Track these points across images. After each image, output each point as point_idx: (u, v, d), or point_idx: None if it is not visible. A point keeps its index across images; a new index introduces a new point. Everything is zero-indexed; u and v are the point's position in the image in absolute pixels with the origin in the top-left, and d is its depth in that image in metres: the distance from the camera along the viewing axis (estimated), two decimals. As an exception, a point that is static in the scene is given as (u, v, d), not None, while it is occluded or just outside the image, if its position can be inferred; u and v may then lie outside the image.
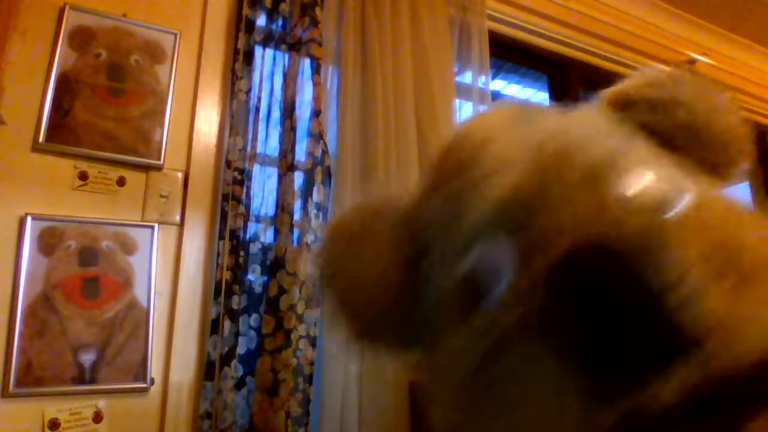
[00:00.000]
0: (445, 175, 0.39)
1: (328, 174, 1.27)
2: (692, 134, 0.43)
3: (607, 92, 0.47)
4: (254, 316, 1.17)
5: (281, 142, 1.26)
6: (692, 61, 2.28)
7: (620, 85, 0.47)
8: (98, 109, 1.17)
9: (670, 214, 0.28)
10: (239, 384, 1.12)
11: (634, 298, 0.25)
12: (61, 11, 1.18)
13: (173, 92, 1.25)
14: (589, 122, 0.42)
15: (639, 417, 0.25)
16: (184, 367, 1.14)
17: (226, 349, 1.11)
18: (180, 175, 1.22)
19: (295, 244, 1.20)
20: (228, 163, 1.21)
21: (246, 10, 1.30)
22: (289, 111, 1.27)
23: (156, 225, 1.17)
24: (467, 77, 1.63)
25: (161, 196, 1.20)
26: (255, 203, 1.23)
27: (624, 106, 0.44)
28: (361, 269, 0.44)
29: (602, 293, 0.25)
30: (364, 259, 0.44)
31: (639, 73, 0.48)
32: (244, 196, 1.20)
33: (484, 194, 0.33)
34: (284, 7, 1.33)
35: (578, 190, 0.29)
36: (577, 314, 0.26)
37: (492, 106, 1.50)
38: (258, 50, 1.30)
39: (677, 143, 0.40)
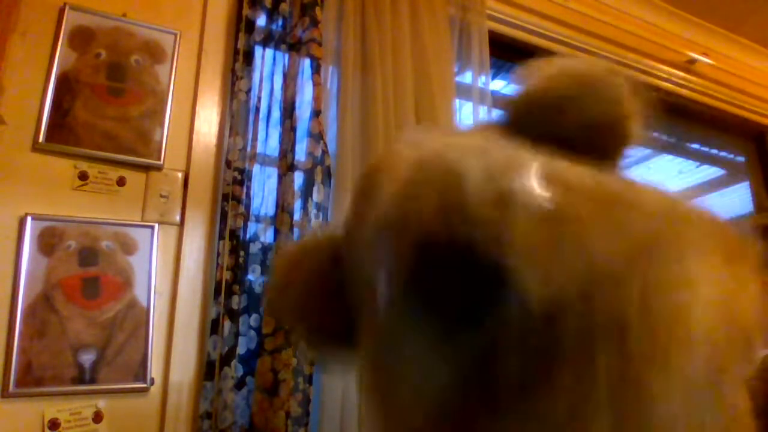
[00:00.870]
0: (351, 205, 0.47)
1: (328, 174, 1.27)
2: (577, 129, 0.46)
3: (505, 104, 0.51)
4: (254, 316, 1.17)
5: (281, 142, 1.26)
6: (692, 61, 2.28)
7: (508, 100, 0.51)
8: (98, 109, 1.17)
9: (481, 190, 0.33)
10: (239, 384, 1.12)
11: (457, 256, 0.31)
12: (61, 11, 1.18)
13: (173, 92, 1.25)
14: (462, 136, 0.47)
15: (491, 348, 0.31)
16: (184, 367, 1.14)
17: (226, 349, 1.11)
18: (180, 175, 1.23)
19: (295, 244, 1.20)
20: (228, 163, 1.21)
21: (246, 10, 1.30)
22: (289, 111, 1.27)
23: (156, 225, 1.17)
24: (467, 77, 1.63)
25: (161, 196, 1.20)
26: (255, 203, 1.23)
27: (517, 121, 0.48)
28: (293, 294, 0.52)
29: (439, 267, 0.32)
30: (295, 285, 0.52)
31: (521, 85, 0.51)
32: (244, 196, 1.20)
33: (368, 214, 0.40)
34: (284, 7, 1.33)
35: (423, 194, 0.35)
36: (430, 292, 0.33)
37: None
38: (258, 50, 1.30)
39: (573, 143, 0.43)
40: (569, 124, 0.46)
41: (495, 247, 0.31)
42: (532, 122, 0.46)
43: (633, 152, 0.48)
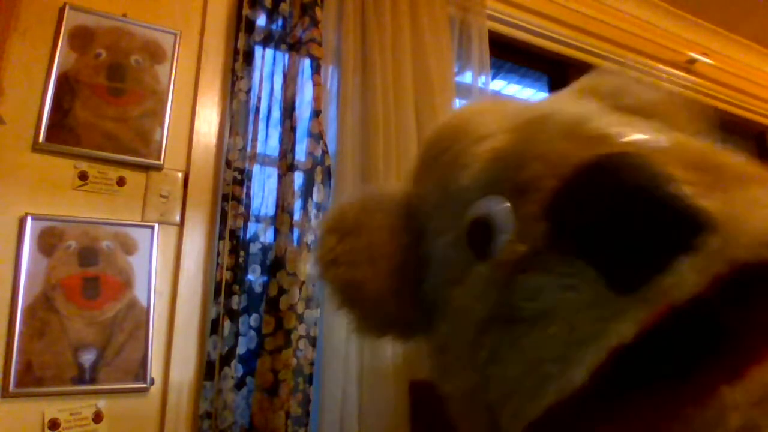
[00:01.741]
0: (433, 158, 0.43)
1: (328, 174, 1.27)
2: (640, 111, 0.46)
3: (573, 85, 0.52)
4: (254, 316, 1.17)
5: (281, 142, 1.26)
6: (692, 61, 2.28)
7: (582, 80, 0.52)
8: (98, 109, 1.17)
9: (651, 143, 0.31)
10: (239, 384, 1.12)
11: (636, 201, 0.27)
12: (61, 11, 1.18)
13: (173, 92, 1.25)
14: (559, 99, 0.46)
15: (672, 310, 0.27)
16: (184, 367, 1.14)
17: (226, 349, 1.11)
18: (180, 175, 1.23)
19: (295, 244, 1.20)
20: (228, 163, 1.21)
21: (246, 10, 1.30)
22: (289, 111, 1.27)
23: (156, 225, 1.17)
24: (467, 77, 1.63)
25: (161, 196, 1.20)
26: (255, 203, 1.23)
27: (585, 95, 0.48)
28: (359, 260, 0.46)
29: (607, 206, 0.28)
30: (361, 251, 0.47)
31: (594, 72, 0.53)
32: (244, 196, 1.20)
33: (471, 160, 0.37)
34: (284, 7, 1.33)
35: (557, 140, 0.32)
36: (587, 228, 0.28)
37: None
38: (258, 50, 1.30)
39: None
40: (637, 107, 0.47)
41: (663, 178, 0.28)
42: (607, 99, 0.47)
43: None
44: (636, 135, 0.32)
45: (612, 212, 0.28)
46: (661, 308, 0.27)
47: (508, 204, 0.33)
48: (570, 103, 0.42)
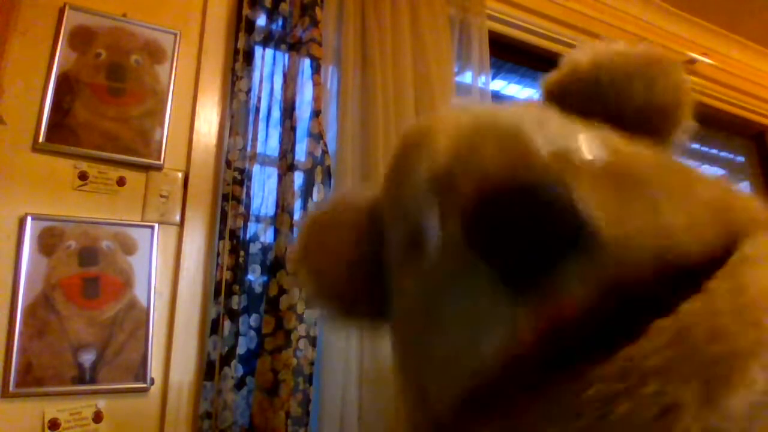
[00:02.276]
0: (394, 163, 0.46)
1: (328, 174, 1.27)
2: (630, 109, 0.46)
3: (544, 82, 0.52)
4: (254, 316, 1.17)
5: (281, 142, 1.26)
6: (692, 61, 2.28)
7: (552, 76, 0.53)
8: (98, 109, 1.17)
9: (571, 155, 0.33)
10: (239, 384, 1.12)
11: (529, 208, 0.29)
12: (61, 11, 1.18)
13: (173, 92, 1.25)
14: (513, 106, 0.47)
15: (559, 315, 0.29)
16: (184, 367, 1.14)
17: (226, 349, 1.11)
18: (180, 175, 1.23)
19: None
20: (228, 163, 1.21)
21: (246, 10, 1.30)
22: (289, 111, 1.27)
23: (156, 225, 1.17)
24: (467, 77, 1.63)
25: (161, 196, 1.20)
26: (255, 203, 1.23)
27: (560, 98, 0.49)
28: (326, 253, 0.51)
29: (508, 220, 0.30)
30: (329, 245, 0.51)
31: (567, 61, 0.53)
32: (244, 196, 1.20)
33: (418, 167, 0.40)
34: (284, 7, 1.33)
35: (484, 146, 0.34)
36: (491, 238, 0.31)
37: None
38: (258, 50, 1.30)
39: (624, 121, 0.43)
40: (628, 102, 0.47)
41: (563, 190, 0.30)
42: (582, 99, 0.47)
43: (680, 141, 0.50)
44: (560, 147, 0.34)
45: (513, 222, 0.30)
46: (550, 311, 0.29)
47: (437, 213, 0.36)
48: (519, 108, 0.44)
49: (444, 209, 0.35)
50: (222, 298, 1.12)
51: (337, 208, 0.55)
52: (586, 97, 0.48)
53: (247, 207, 1.21)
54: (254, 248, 1.20)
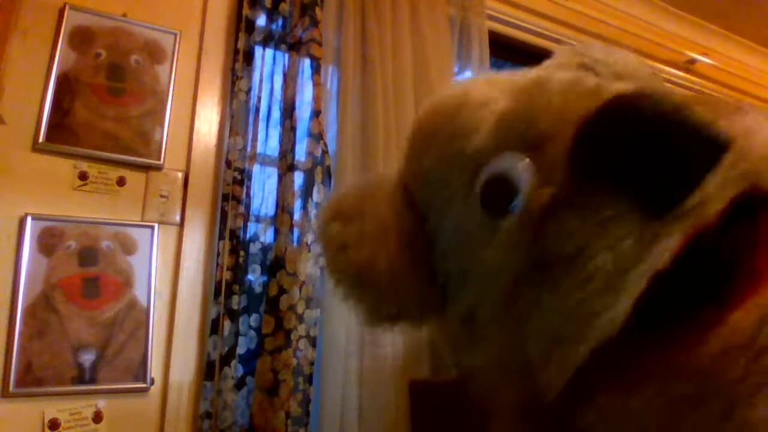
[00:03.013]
0: (431, 134, 0.43)
1: (328, 174, 1.27)
2: None
3: (549, 61, 0.54)
4: (254, 316, 1.17)
5: (281, 142, 1.26)
6: (692, 61, 2.28)
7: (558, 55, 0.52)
8: (98, 109, 1.17)
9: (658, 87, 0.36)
10: (239, 384, 1.12)
11: (659, 129, 0.30)
12: (61, 11, 1.18)
13: (173, 92, 1.25)
14: (543, 69, 0.47)
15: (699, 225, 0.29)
16: (184, 367, 1.14)
17: (226, 349, 1.11)
18: (180, 175, 1.22)
19: (295, 244, 1.20)
20: (228, 163, 1.20)
21: (246, 10, 1.30)
22: (289, 111, 1.27)
23: (156, 225, 1.17)
24: (467, 77, 1.63)
25: (161, 196, 1.20)
26: (255, 203, 1.23)
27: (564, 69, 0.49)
28: (368, 241, 0.46)
29: (632, 137, 0.30)
30: (369, 232, 0.46)
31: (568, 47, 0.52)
32: (244, 196, 1.19)
33: (478, 124, 0.38)
34: (284, 7, 1.33)
35: (559, 97, 0.34)
36: (616, 163, 0.31)
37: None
38: (258, 50, 1.30)
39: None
40: None
41: (688, 111, 0.30)
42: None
43: None
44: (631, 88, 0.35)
45: (637, 143, 0.30)
46: (695, 226, 0.30)
47: (526, 158, 0.35)
48: (557, 71, 0.44)
49: (534, 154, 0.34)
50: (222, 298, 1.12)
51: (363, 194, 0.51)
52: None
53: (247, 207, 1.20)
54: (254, 248, 1.20)
